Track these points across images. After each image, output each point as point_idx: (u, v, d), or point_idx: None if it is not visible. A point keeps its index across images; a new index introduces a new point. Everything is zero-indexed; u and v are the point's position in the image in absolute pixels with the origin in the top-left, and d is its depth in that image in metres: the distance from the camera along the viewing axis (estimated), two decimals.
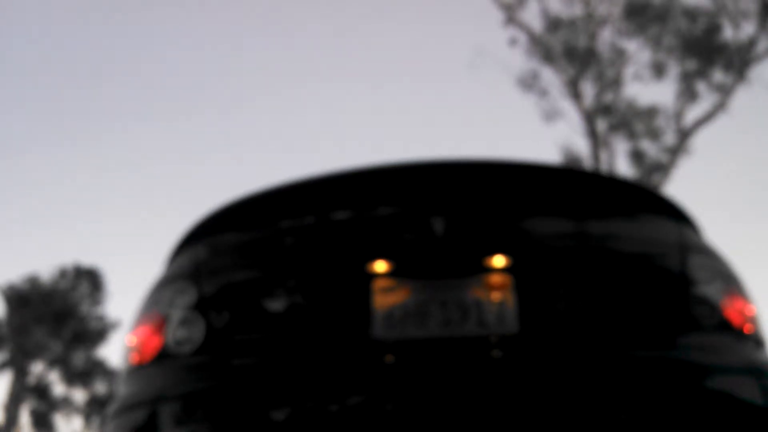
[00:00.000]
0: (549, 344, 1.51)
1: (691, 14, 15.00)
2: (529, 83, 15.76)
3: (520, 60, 20.34)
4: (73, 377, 22.34)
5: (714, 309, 1.64)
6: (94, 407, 22.17)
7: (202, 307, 1.66)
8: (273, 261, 1.69)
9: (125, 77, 34.33)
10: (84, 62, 33.44)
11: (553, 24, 15.72)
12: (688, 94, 15.10)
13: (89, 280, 23.45)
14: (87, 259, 28.33)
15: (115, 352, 26.90)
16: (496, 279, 1.56)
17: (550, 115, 15.65)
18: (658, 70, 15.28)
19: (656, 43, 15.26)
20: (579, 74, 15.42)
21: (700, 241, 1.83)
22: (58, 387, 22.44)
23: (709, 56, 14.76)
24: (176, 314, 1.69)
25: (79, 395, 22.54)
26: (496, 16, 18.18)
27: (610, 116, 15.36)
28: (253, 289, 1.66)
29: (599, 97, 15.48)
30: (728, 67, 14.75)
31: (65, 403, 22.34)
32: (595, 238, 1.68)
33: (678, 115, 15.19)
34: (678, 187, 15.87)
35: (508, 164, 1.79)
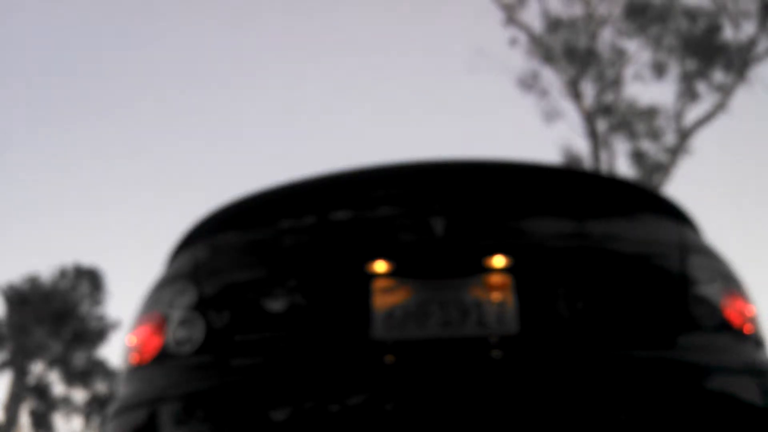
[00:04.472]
0: (549, 345, 1.51)
1: (692, 14, 15.00)
2: (529, 83, 15.76)
3: (520, 60, 20.36)
4: (73, 377, 22.33)
5: (714, 309, 1.64)
6: (94, 407, 22.17)
7: (202, 307, 1.66)
8: (273, 261, 1.69)
9: (126, 77, 34.33)
10: (85, 62, 33.44)
11: (553, 24, 15.72)
12: (688, 94, 15.10)
13: (89, 280, 23.45)
14: (87, 259, 28.31)
15: (115, 352, 26.91)
16: (496, 279, 1.56)
17: (550, 115, 15.65)
18: (659, 71, 15.27)
19: (656, 44, 15.26)
20: (579, 74, 15.42)
21: (700, 241, 1.83)
22: (58, 387, 22.45)
23: (709, 56, 14.76)
24: (176, 314, 1.69)
25: (79, 395, 22.55)
26: (496, 16, 18.16)
27: (611, 116, 15.36)
28: (253, 290, 1.66)
29: (599, 98, 15.48)
30: (728, 67, 14.75)
31: (65, 403, 22.33)
32: (595, 238, 1.68)
33: (678, 115, 15.19)
34: (678, 187, 15.87)
35: (508, 164, 1.79)
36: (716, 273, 1.71)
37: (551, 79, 15.67)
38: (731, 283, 1.73)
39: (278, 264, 1.67)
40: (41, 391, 21.98)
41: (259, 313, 1.62)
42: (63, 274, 23.30)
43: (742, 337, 1.65)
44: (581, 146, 17.36)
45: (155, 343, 1.69)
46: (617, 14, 15.55)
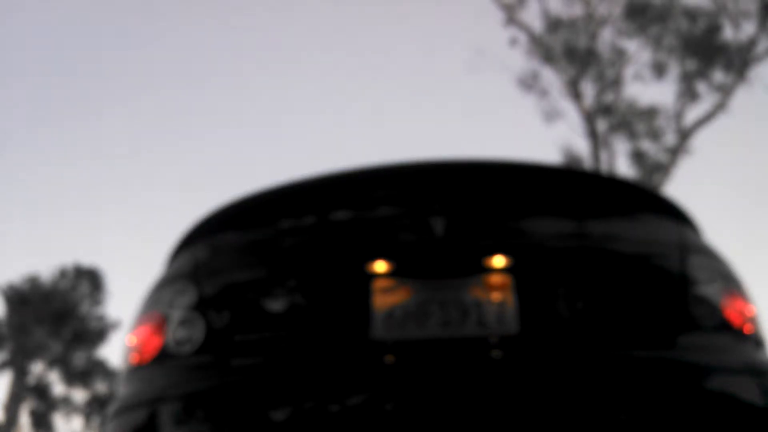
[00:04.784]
0: (549, 345, 1.51)
1: (692, 14, 15.00)
2: (529, 83, 15.77)
3: (520, 60, 20.38)
4: (73, 377, 22.33)
5: (714, 309, 1.64)
6: (94, 407, 22.17)
7: (202, 307, 1.66)
8: (273, 261, 1.69)
9: (126, 77, 34.32)
10: (85, 62, 33.44)
11: (554, 24, 15.72)
12: (688, 94, 15.10)
13: (89, 280, 23.45)
14: (87, 259, 28.31)
15: (115, 352, 26.90)
16: (496, 279, 1.56)
17: (550, 116, 15.66)
18: (659, 71, 15.28)
19: (656, 43, 15.26)
20: (579, 74, 15.42)
21: (700, 241, 1.83)
22: (58, 387, 22.45)
23: (709, 56, 14.76)
24: (176, 314, 1.69)
25: (79, 395, 22.55)
26: (496, 16, 18.17)
27: (611, 116, 15.36)
28: (253, 290, 1.66)
29: (599, 98, 15.48)
30: (728, 67, 14.75)
31: (65, 403, 22.33)
32: (595, 238, 1.68)
33: (678, 115, 15.19)
34: (678, 187, 15.87)
35: (508, 164, 1.79)
36: (716, 273, 1.71)
37: (551, 79, 15.69)
38: (731, 283, 1.73)
39: (278, 264, 1.67)
40: (41, 391, 21.98)
41: (259, 313, 1.62)
42: (63, 274, 23.29)
43: (742, 337, 1.65)
44: (581, 146, 17.39)
45: (155, 343, 1.69)
46: (617, 14, 15.56)
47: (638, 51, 15.55)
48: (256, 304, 1.64)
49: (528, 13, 16.17)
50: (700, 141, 15.21)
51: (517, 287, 1.55)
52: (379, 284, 1.57)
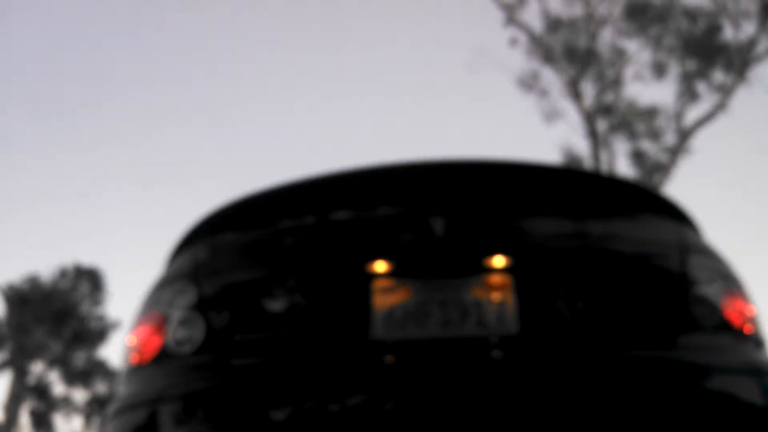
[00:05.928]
0: (549, 345, 1.51)
1: (692, 14, 15.00)
2: (529, 83, 15.77)
3: (520, 60, 20.41)
4: (73, 377, 22.33)
5: (714, 309, 1.64)
6: (94, 407, 22.17)
7: (202, 307, 1.66)
8: (273, 261, 1.69)
9: (129, 76, 34.34)
10: (87, 61, 33.44)
11: (554, 24, 15.72)
12: (688, 94, 15.11)
13: (89, 280, 23.43)
14: (87, 259, 28.29)
15: (115, 352, 26.90)
16: (496, 279, 1.56)
17: (551, 116, 15.66)
18: (659, 71, 15.28)
19: (657, 44, 15.26)
20: (579, 74, 15.42)
21: (700, 241, 1.83)
22: (58, 387, 22.44)
23: (709, 56, 14.76)
24: (176, 314, 1.69)
25: (79, 395, 22.54)
26: (496, 16, 18.20)
27: (611, 116, 15.36)
28: (253, 290, 1.66)
29: (599, 98, 15.48)
30: (728, 67, 14.75)
31: (65, 403, 22.33)
32: (595, 238, 1.68)
33: (678, 115, 15.20)
34: (678, 187, 15.87)
35: (508, 164, 1.79)
36: (716, 273, 1.71)
37: (551, 79, 15.69)
38: (731, 283, 1.73)
39: (278, 264, 1.67)
40: (41, 391, 21.98)
41: (259, 313, 1.62)
42: (63, 274, 23.28)
43: (742, 337, 1.65)
44: (581, 146, 17.39)
45: (155, 343, 1.69)
46: (617, 14, 15.56)
47: (638, 51, 15.57)
48: (256, 304, 1.64)
49: (528, 13, 16.21)
50: (700, 141, 15.22)
51: (517, 287, 1.55)
52: (379, 284, 1.57)
